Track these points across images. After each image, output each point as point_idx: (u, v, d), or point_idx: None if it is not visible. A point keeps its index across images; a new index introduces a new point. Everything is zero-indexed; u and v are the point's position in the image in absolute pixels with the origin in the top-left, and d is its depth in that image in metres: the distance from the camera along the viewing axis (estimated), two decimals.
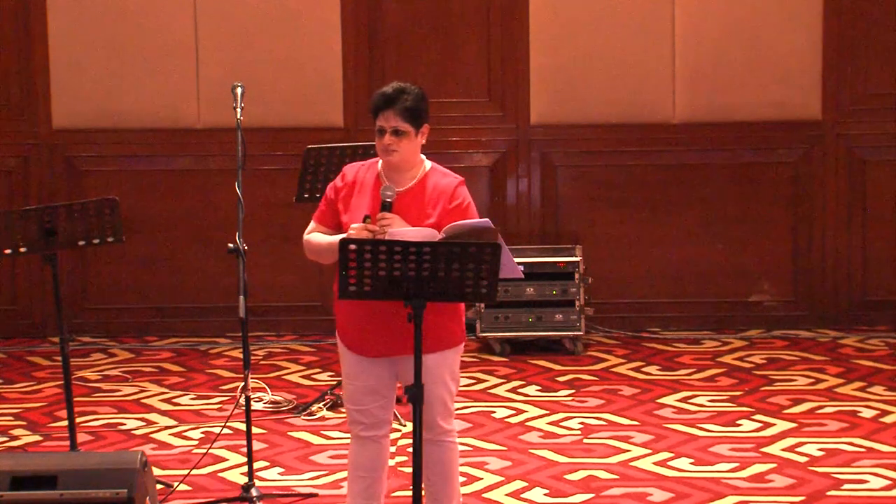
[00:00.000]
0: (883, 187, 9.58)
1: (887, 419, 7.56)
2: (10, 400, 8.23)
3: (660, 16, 9.49)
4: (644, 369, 8.67)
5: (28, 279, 9.68)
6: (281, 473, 6.84)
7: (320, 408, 7.84)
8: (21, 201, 9.46)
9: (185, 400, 8.18)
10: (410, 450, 5.16)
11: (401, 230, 5.23)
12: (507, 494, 6.49)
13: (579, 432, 7.40)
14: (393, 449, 7.12)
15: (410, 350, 5.19)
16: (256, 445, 6.95)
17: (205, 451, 6.96)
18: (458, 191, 5.41)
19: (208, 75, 9.56)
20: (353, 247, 4.97)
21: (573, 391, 8.20)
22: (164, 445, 7.30)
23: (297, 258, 9.54)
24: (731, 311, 9.65)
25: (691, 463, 6.88)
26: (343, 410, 7.80)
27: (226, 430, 7.14)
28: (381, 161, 5.46)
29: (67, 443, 6.41)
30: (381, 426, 5.51)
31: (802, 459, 6.90)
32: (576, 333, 9.02)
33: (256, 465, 6.64)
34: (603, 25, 9.51)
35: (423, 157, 5.49)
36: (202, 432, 7.49)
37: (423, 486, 5.53)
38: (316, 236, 5.48)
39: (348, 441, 7.23)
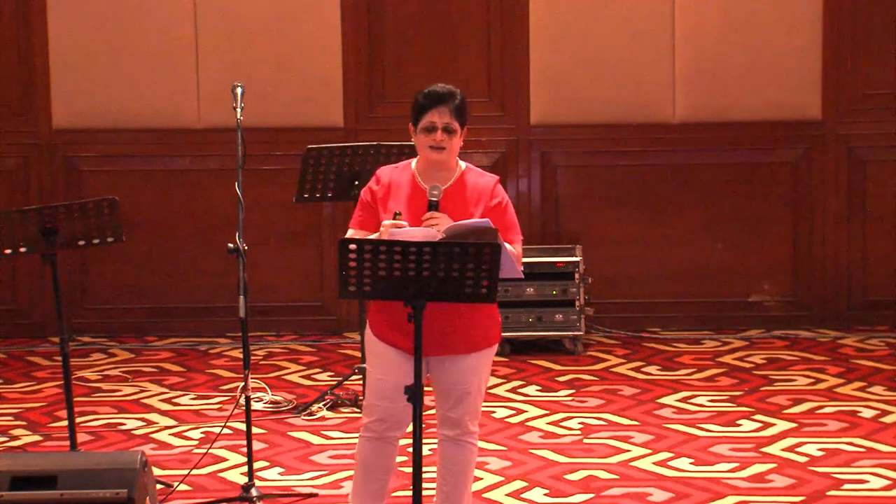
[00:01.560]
0: (883, 187, 9.58)
1: (887, 419, 7.56)
2: (10, 400, 8.23)
3: (660, 16, 9.50)
4: (644, 369, 8.67)
5: (28, 279, 9.68)
6: (281, 473, 6.84)
7: (320, 408, 7.84)
8: (21, 201, 9.46)
9: (185, 400, 8.18)
10: (411, 449, 5.15)
11: (400, 230, 5.23)
12: (507, 494, 6.49)
13: (579, 432, 7.40)
14: None
15: (449, 350, 5.32)
16: (256, 445, 6.95)
17: (205, 451, 6.96)
18: (497, 189, 5.48)
19: (208, 75, 9.56)
20: (353, 247, 4.97)
21: (573, 391, 8.20)
22: (164, 445, 7.30)
23: (298, 258, 9.62)
24: (731, 311, 9.65)
25: (691, 463, 6.88)
26: (343, 410, 7.82)
27: (226, 430, 7.14)
28: (414, 162, 5.48)
29: (67, 443, 6.40)
30: (402, 427, 5.47)
31: (802, 459, 6.90)
32: (576, 333, 9.02)
33: (256, 465, 6.64)
34: (603, 25, 9.51)
35: (457, 157, 5.54)
36: (202, 432, 7.49)
37: (437, 484, 5.56)
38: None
39: (348, 441, 7.26)
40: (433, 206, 5.30)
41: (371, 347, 5.49)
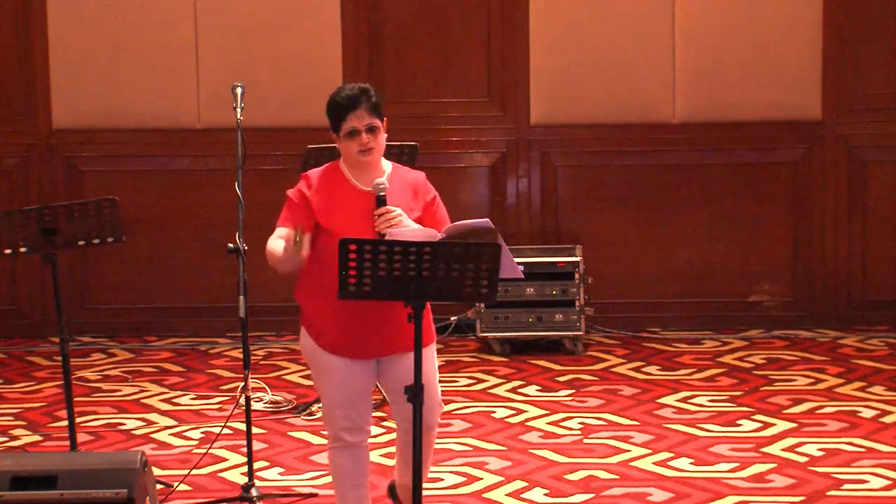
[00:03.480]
0: (883, 187, 9.58)
1: (887, 419, 7.56)
2: (10, 400, 8.24)
3: (660, 16, 9.50)
4: (644, 369, 8.67)
5: (28, 279, 9.68)
6: (281, 473, 6.84)
7: (320, 408, 7.82)
8: (21, 201, 9.46)
9: (185, 400, 8.18)
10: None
11: (400, 230, 5.24)
12: (507, 494, 6.49)
13: (579, 432, 7.40)
14: (393, 449, 7.12)
15: (397, 349, 5.35)
16: (256, 445, 6.95)
17: (205, 451, 6.96)
18: (428, 184, 5.49)
19: (208, 75, 9.57)
20: (353, 246, 4.96)
21: (573, 391, 8.20)
22: (164, 445, 7.30)
23: None
24: (731, 311, 9.65)
25: (691, 463, 6.88)
26: None
27: (226, 430, 7.14)
28: (339, 164, 5.45)
29: (67, 443, 6.40)
30: (365, 430, 5.50)
31: (802, 459, 6.90)
32: (576, 333, 9.02)
33: (256, 465, 6.64)
34: (603, 25, 9.51)
35: None
36: (202, 432, 7.49)
37: (397, 461, 5.65)
38: (275, 242, 5.37)
39: None
40: (382, 201, 5.27)
41: (317, 360, 5.45)
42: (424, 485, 5.25)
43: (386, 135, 5.42)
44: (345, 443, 5.47)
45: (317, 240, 5.34)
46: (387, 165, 5.48)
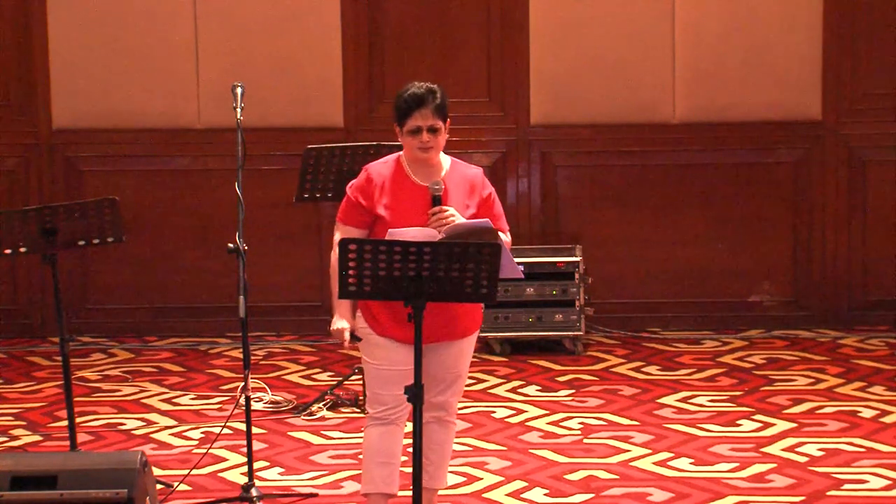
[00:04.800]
0: (883, 187, 9.57)
1: (887, 419, 7.56)
2: (10, 400, 8.24)
3: (660, 16, 9.49)
4: (644, 369, 8.67)
5: (28, 279, 9.68)
6: (281, 473, 6.84)
7: (320, 408, 7.84)
8: (21, 201, 9.45)
9: (185, 400, 8.18)
10: (411, 450, 5.15)
11: (400, 230, 5.25)
12: (507, 494, 6.49)
13: (579, 432, 7.40)
14: None
15: (448, 336, 5.53)
16: (256, 445, 6.95)
17: (205, 451, 6.96)
18: (485, 180, 5.69)
19: (208, 75, 9.56)
20: (353, 247, 4.98)
21: (573, 391, 8.20)
22: (164, 445, 7.30)
23: (297, 258, 9.62)
24: (731, 311, 9.65)
25: (691, 463, 6.88)
26: (344, 411, 7.83)
27: (226, 430, 7.14)
28: (399, 157, 5.60)
29: (67, 443, 6.40)
30: (406, 411, 5.56)
31: (802, 459, 6.90)
32: (576, 333, 9.02)
33: (256, 465, 6.64)
34: (603, 25, 9.51)
35: None
36: (202, 432, 7.49)
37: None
38: (335, 261, 5.46)
39: (348, 441, 7.27)
40: (437, 201, 5.43)
41: (367, 341, 5.59)
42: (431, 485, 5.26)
43: (447, 135, 5.60)
44: (380, 420, 5.59)
45: (374, 228, 5.54)
46: (445, 161, 5.64)
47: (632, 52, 9.51)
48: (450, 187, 5.52)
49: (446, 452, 5.79)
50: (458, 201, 5.50)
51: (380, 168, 5.61)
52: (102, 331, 9.69)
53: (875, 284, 9.62)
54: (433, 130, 5.51)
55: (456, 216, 5.39)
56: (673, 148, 9.60)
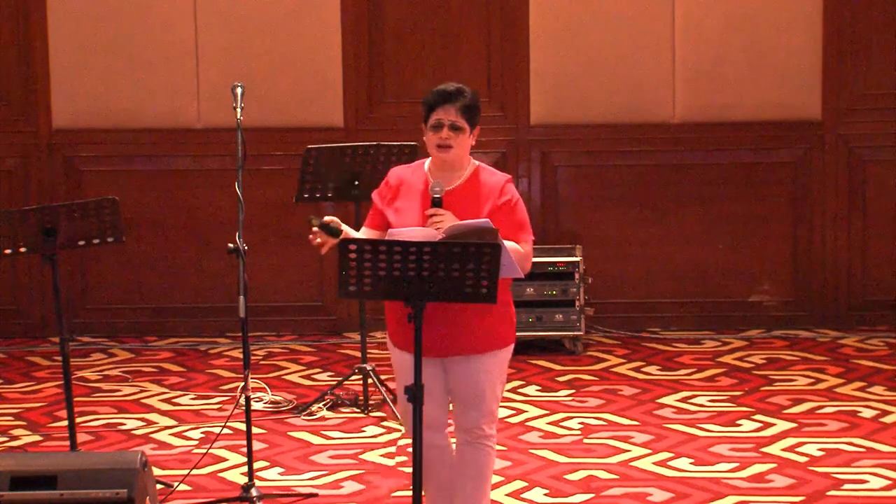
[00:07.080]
0: (883, 187, 9.58)
1: (887, 419, 7.56)
2: (10, 400, 8.24)
3: (660, 16, 9.50)
4: (644, 369, 8.67)
5: (28, 279, 9.68)
6: (281, 473, 6.84)
7: (320, 408, 7.84)
8: (21, 201, 9.46)
9: (185, 400, 8.18)
10: (411, 450, 5.15)
11: (400, 230, 5.24)
12: (507, 494, 6.49)
13: (579, 432, 7.40)
14: (392, 449, 7.13)
15: (459, 351, 5.33)
16: (256, 445, 6.95)
17: (205, 451, 6.96)
18: (506, 187, 5.43)
19: (208, 75, 9.56)
20: (353, 246, 4.97)
21: (573, 391, 8.20)
22: (164, 445, 7.30)
23: (298, 258, 9.61)
24: (731, 311, 9.65)
25: (691, 463, 6.88)
26: (344, 411, 7.83)
27: (226, 430, 7.14)
28: (427, 162, 5.49)
29: (67, 443, 6.40)
30: (442, 426, 5.45)
31: (802, 459, 6.90)
32: (576, 333, 9.02)
33: (256, 465, 6.64)
34: (603, 25, 9.51)
35: (470, 157, 5.50)
36: (202, 432, 7.49)
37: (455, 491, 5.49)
38: None
39: (348, 441, 7.28)
40: (436, 203, 5.30)
41: (393, 359, 5.48)
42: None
43: (473, 142, 5.43)
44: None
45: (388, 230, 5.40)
46: (472, 165, 5.46)
47: (632, 52, 9.52)
48: (464, 191, 5.38)
49: (480, 476, 5.47)
50: (468, 207, 5.35)
51: (401, 171, 5.52)
52: (102, 331, 9.69)
53: (875, 284, 9.62)
54: (455, 128, 5.35)
55: (446, 220, 5.22)
56: (673, 148, 9.60)
